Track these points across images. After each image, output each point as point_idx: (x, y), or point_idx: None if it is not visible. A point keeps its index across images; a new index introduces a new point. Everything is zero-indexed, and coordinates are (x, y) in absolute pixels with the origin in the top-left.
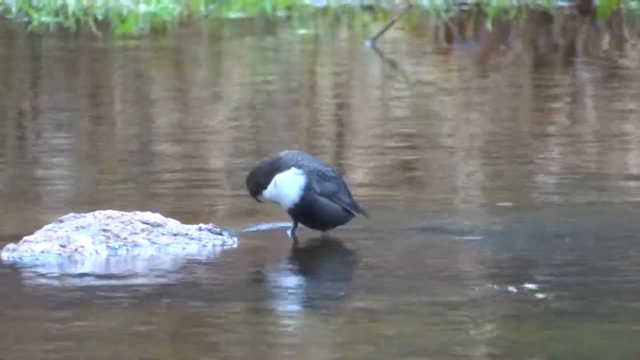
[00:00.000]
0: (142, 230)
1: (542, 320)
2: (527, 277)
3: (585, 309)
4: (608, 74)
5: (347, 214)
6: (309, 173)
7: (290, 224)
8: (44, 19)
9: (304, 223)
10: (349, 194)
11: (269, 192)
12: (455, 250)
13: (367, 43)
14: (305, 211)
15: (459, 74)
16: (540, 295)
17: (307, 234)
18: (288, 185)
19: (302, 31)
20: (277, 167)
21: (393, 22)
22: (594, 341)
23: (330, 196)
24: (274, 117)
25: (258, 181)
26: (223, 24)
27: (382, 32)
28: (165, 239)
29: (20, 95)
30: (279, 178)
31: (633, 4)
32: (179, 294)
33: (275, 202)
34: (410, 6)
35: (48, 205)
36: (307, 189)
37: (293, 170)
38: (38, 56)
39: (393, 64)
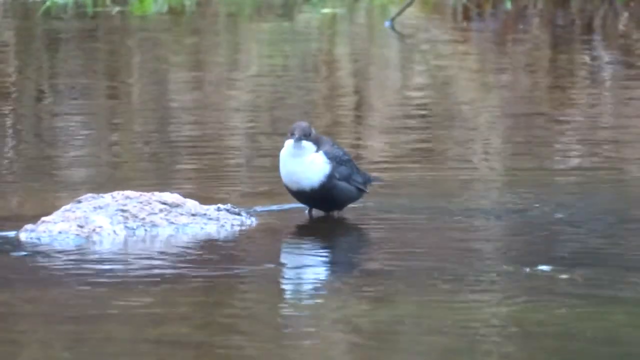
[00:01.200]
0: (161, 210)
1: (560, 301)
2: (544, 259)
3: (602, 290)
4: (625, 54)
5: (360, 192)
6: (331, 159)
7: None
8: None
9: (317, 206)
10: (358, 170)
11: (304, 145)
12: (472, 231)
13: (387, 23)
14: (322, 196)
15: (477, 53)
16: (562, 276)
17: (325, 213)
18: (313, 170)
19: (325, 10)
20: (317, 140)
21: (412, 2)
22: (610, 321)
23: (347, 179)
24: (292, 97)
25: (308, 131)
26: (242, 2)
27: (401, 12)
28: (184, 219)
29: (37, 76)
30: (309, 157)
31: None
32: (197, 274)
33: (287, 173)
34: None
35: (66, 185)
36: (330, 176)
37: (323, 156)
38: (55, 36)
39: (412, 44)
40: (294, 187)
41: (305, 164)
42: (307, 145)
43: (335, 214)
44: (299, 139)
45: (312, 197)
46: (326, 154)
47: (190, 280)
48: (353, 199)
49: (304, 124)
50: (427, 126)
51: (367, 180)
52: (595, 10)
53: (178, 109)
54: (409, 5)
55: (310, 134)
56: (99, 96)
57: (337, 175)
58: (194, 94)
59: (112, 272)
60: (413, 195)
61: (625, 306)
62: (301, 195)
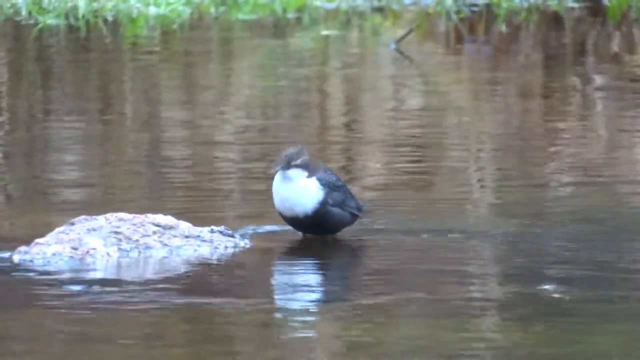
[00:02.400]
0: (154, 232)
1: (556, 321)
2: (540, 279)
3: (598, 310)
4: (618, 75)
5: (353, 217)
6: (325, 185)
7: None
8: (50, 21)
9: (311, 232)
10: (352, 196)
11: (290, 174)
12: (466, 253)
13: (392, 46)
14: (316, 222)
15: (469, 77)
16: (554, 296)
17: (318, 235)
18: (306, 196)
19: (325, 32)
20: (308, 166)
21: (411, 30)
22: (610, 342)
23: (341, 205)
24: (287, 118)
25: (295, 158)
26: (236, 26)
27: (405, 36)
28: (177, 241)
29: (31, 98)
30: (302, 183)
31: None
32: (191, 296)
33: (278, 196)
34: (429, 14)
35: (59, 207)
36: (323, 203)
37: (316, 182)
38: (48, 59)
39: (415, 66)
40: (287, 213)
41: (298, 191)
42: (293, 173)
43: (329, 237)
44: (284, 168)
45: (306, 223)
46: (319, 180)
47: (183, 302)
48: (346, 225)
49: (291, 150)
50: (420, 150)
51: (360, 207)
52: (588, 32)
53: (171, 130)
54: (413, 29)
55: (297, 159)
56: (91, 118)
57: (331, 202)
58: (187, 115)
59: (106, 294)
60: (407, 217)
61: (619, 325)
62: (294, 221)
